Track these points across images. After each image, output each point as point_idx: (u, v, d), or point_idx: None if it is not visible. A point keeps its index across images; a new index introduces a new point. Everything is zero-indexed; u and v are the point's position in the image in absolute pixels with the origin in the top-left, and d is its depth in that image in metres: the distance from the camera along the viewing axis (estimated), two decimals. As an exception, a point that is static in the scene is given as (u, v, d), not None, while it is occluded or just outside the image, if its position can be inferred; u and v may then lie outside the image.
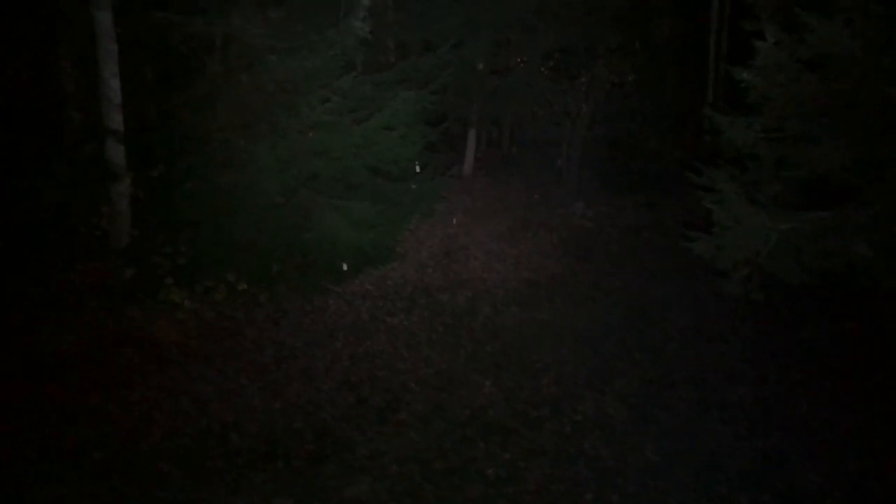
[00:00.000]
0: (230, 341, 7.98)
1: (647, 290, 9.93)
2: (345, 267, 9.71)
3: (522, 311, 9.26)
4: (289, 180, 9.40)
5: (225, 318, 8.40)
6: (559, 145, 15.66)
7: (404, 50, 14.40)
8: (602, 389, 7.40)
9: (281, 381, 7.31)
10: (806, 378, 7.59)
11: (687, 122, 15.98)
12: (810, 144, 7.76)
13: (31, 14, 8.42)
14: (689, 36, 17.01)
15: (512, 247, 11.61)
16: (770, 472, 6.13)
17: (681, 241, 8.72)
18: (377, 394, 7.21)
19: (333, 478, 5.92)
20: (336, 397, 7.09)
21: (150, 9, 8.54)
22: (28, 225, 8.01)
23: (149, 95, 9.41)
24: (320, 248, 9.56)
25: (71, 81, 8.94)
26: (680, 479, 6.01)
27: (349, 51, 10.02)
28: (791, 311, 8.95)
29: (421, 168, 11.83)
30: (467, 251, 11.31)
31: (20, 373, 6.86)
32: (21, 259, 7.97)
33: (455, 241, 11.65)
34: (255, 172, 9.03)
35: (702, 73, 16.05)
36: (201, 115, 9.11)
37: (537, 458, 6.26)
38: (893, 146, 7.22)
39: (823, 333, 8.48)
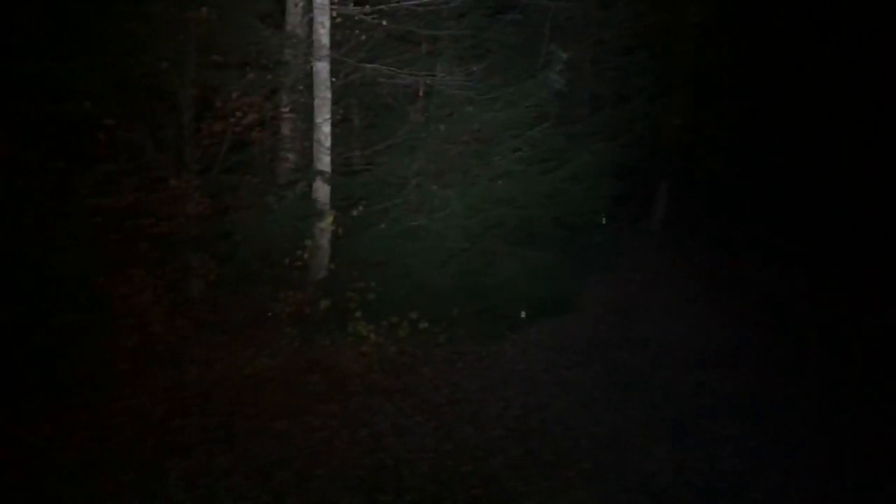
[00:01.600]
0: (408, 377, 8.30)
1: (848, 372, 9.15)
2: (523, 315, 9.80)
3: (704, 378, 8.85)
4: (474, 226, 9.70)
5: (406, 355, 8.75)
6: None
7: (598, 102, 14.42)
8: (787, 471, 6.90)
9: (453, 422, 7.47)
10: None
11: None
12: None
13: (258, 63, 9.30)
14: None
15: (696, 308, 11.18)
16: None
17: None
18: (546, 446, 7.16)
19: (497, 527, 5.96)
20: (505, 445, 7.12)
21: (363, 62, 9.24)
22: (241, 255, 8.78)
23: (355, 141, 10.12)
24: (500, 295, 9.73)
25: (287, 125, 9.74)
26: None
27: (544, 102, 10.27)
28: None
29: (606, 221, 11.77)
30: (648, 309, 11.02)
31: (217, 392, 7.48)
32: (232, 286, 8.76)
33: (636, 298, 11.40)
34: (444, 217, 9.41)
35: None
36: (400, 161, 9.67)
37: (710, 537, 5.96)
38: None
39: None
